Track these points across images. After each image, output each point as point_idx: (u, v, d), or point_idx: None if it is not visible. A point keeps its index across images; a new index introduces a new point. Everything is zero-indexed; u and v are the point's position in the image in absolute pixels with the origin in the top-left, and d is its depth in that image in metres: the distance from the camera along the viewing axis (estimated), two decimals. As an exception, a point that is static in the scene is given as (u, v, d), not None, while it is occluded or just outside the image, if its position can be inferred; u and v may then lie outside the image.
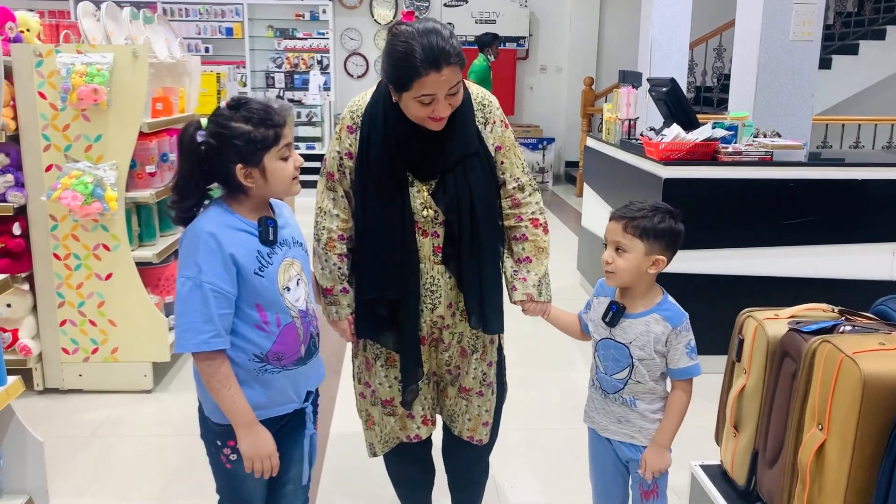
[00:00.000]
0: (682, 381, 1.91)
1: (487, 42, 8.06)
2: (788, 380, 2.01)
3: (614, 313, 1.93)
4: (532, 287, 2.04)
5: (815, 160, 3.81)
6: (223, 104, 1.67)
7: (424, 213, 1.90)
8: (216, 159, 1.65)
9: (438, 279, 1.96)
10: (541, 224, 2.04)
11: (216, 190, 1.74)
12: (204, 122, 1.66)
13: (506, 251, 2.07)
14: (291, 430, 1.82)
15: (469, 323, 2.01)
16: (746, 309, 2.31)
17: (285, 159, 1.68)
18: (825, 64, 8.52)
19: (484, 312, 1.99)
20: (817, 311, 2.19)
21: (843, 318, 2.09)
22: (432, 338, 2.04)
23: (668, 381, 1.96)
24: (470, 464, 2.28)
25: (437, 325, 2.01)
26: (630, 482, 2.03)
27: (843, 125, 7.48)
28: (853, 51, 8.55)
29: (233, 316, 1.65)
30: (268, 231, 1.69)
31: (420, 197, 1.90)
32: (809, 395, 1.83)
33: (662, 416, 1.94)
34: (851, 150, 7.58)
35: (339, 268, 1.98)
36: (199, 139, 1.64)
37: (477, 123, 1.94)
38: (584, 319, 2.10)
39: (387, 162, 1.88)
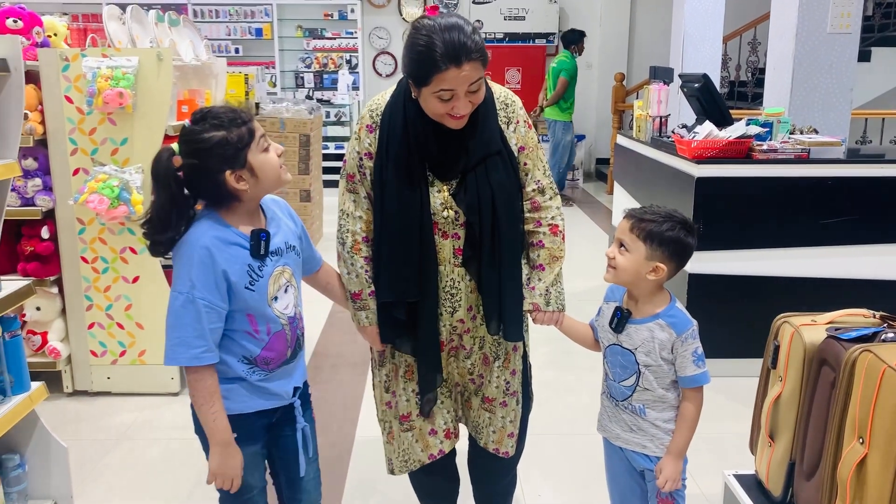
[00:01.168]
0: (691, 389, 1.87)
1: (574, 39, 7.98)
2: (827, 389, 1.92)
3: (619, 319, 1.90)
4: (539, 296, 1.98)
5: (854, 157, 3.68)
6: (187, 122, 1.67)
7: (444, 213, 1.85)
8: (201, 176, 1.64)
9: (458, 282, 1.91)
10: (560, 231, 1.98)
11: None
12: (175, 146, 1.65)
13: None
14: (284, 425, 1.86)
15: (487, 329, 1.96)
16: (782, 314, 2.23)
17: (266, 150, 1.69)
18: (864, 56, 8.28)
19: (503, 318, 1.94)
20: (857, 317, 2.10)
21: (885, 325, 1.99)
22: (452, 345, 1.99)
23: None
24: (496, 476, 2.23)
25: (457, 329, 1.96)
26: (648, 492, 1.97)
27: (884, 119, 7.26)
28: (893, 42, 8.31)
29: (223, 328, 1.68)
30: (259, 245, 1.69)
31: (440, 197, 1.85)
32: (849, 406, 1.75)
33: (676, 424, 1.90)
34: (892, 145, 7.36)
35: (367, 271, 1.94)
36: (178, 164, 1.63)
37: (500, 123, 1.89)
38: (594, 327, 2.06)
39: (405, 160, 1.84)
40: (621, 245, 1.88)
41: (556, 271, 2.00)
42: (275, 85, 9.51)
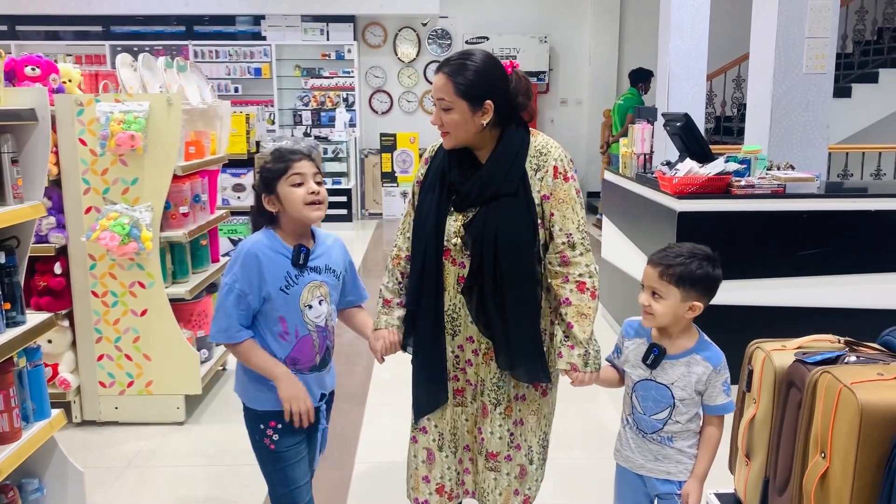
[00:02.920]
0: (717, 417, 1.99)
1: (641, 77, 8.36)
2: (795, 409, 2.07)
3: (656, 356, 1.96)
4: (577, 357, 2.00)
5: (827, 192, 3.87)
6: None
7: (454, 241, 2.01)
8: (256, 195, 2.10)
9: (459, 308, 2.04)
10: (587, 288, 2.00)
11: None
12: None
13: (552, 311, 2.08)
14: (311, 425, 2.12)
15: (497, 362, 2.04)
16: (755, 340, 2.38)
17: (297, 185, 2.01)
18: (845, 92, 8.58)
19: (512, 353, 2.01)
20: (823, 343, 2.25)
21: (848, 349, 2.15)
22: (458, 385, 2.10)
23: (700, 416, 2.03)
24: None
25: (460, 359, 2.08)
26: None
27: (864, 153, 7.50)
28: (873, 79, 8.60)
29: (258, 304, 2.04)
30: (299, 256, 2.04)
31: (455, 225, 2.02)
32: (813, 423, 1.89)
33: (697, 451, 2.00)
34: (872, 178, 7.59)
35: (400, 283, 2.14)
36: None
37: (528, 168, 2.01)
38: (615, 364, 2.11)
39: (436, 189, 2.05)
40: (654, 293, 1.94)
41: (589, 331, 2.01)
42: (273, 122, 9.74)
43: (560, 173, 2.02)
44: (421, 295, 2.05)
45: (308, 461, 2.18)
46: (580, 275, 2.00)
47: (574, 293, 2.00)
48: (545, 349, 2.09)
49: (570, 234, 2.00)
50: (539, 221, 2.01)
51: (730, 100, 9.34)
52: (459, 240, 2.01)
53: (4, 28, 9.42)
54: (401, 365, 2.43)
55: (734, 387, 2.49)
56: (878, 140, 8.41)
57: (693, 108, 6.52)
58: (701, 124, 6.85)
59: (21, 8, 9.34)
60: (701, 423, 2.02)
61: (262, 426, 2.10)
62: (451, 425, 2.14)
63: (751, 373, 2.34)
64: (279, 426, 2.08)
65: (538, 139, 2.06)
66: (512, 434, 2.09)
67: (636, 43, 10.15)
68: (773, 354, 2.24)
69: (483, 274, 1.98)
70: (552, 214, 2.01)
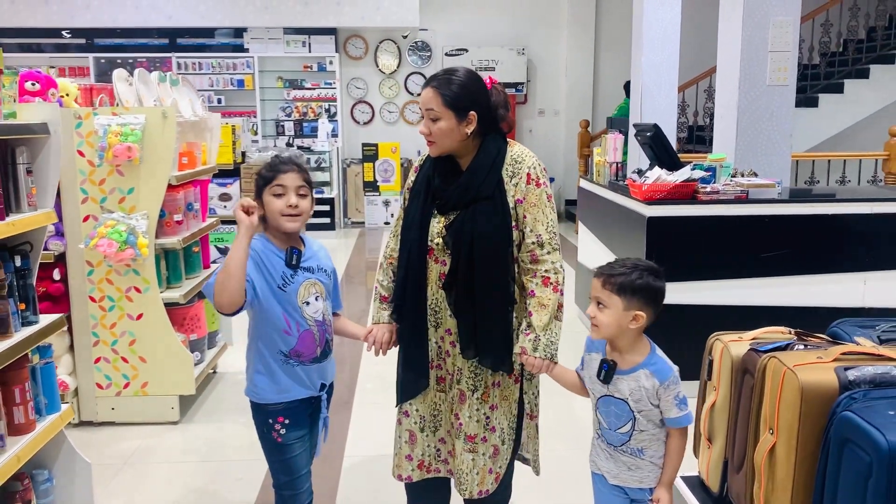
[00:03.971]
0: (675, 429, 2.08)
1: None
2: (749, 393, 2.27)
3: (606, 371, 2.06)
4: (528, 342, 2.17)
5: (786, 197, 4.11)
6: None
7: (437, 241, 2.21)
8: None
9: (441, 302, 2.24)
10: (551, 283, 2.19)
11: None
12: None
13: (517, 306, 2.26)
14: (313, 413, 2.33)
15: (463, 354, 2.22)
16: (715, 333, 2.59)
17: (278, 196, 2.18)
18: (812, 102, 8.90)
19: (478, 342, 2.20)
20: (776, 334, 2.46)
21: (797, 339, 2.36)
22: (440, 373, 2.29)
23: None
24: None
25: (441, 349, 2.28)
26: None
27: (829, 161, 7.80)
28: (839, 89, 8.92)
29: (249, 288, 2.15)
30: (291, 257, 2.21)
31: (437, 227, 2.22)
32: (763, 404, 2.10)
33: (664, 460, 2.13)
34: (837, 185, 7.89)
35: (393, 281, 2.35)
36: None
37: (504, 174, 2.21)
38: (581, 376, 2.24)
39: (421, 194, 2.26)
40: (599, 303, 2.03)
41: (546, 320, 2.17)
42: (256, 133, 9.88)
43: (532, 179, 2.21)
44: (406, 290, 2.25)
45: (309, 451, 2.34)
46: (546, 271, 2.20)
47: (539, 286, 2.20)
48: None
49: (540, 235, 2.20)
50: (514, 223, 2.21)
51: (702, 110, 9.63)
52: (441, 240, 2.21)
53: (-13, 40, 9.51)
54: (386, 366, 2.61)
55: (696, 382, 2.71)
56: (844, 148, 8.73)
57: (665, 119, 6.77)
58: (674, 133, 7.12)
59: (3, 20, 9.43)
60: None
61: (270, 421, 2.25)
62: (432, 408, 2.33)
63: (711, 363, 2.55)
64: (286, 421, 2.24)
65: (514, 149, 2.27)
66: (488, 418, 2.28)
67: (611, 55, 10.43)
68: (731, 345, 2.45)
69: (460, 271, 2.18)
70: (525, 217, 2.21)
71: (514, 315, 2.27)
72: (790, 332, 2.48)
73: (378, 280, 2.41)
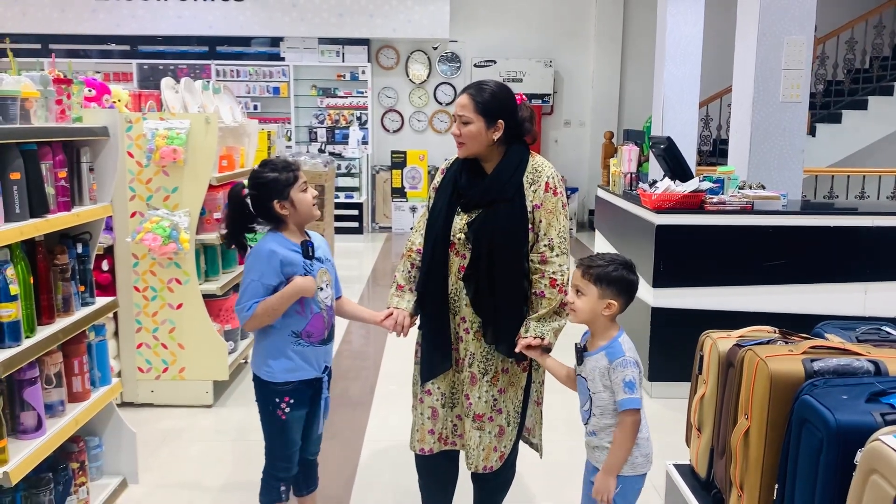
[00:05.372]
0: (623, 412, 2.15)
1: None
2: (731, 384, 2.49)
3: (577, 353, 2.28)
4: (522, 328, 2.39)
5: (791, 210, 4.29)
6: (256, 167, 2.47)
7: (459, 235, 2.45)
8: (259, 203, 2.42)
9: (459, 292, 2.47)
10: (557, 284, 2.38)
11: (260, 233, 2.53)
12: (245, 181, 2.45)
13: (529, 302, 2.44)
14: (315, 395, 2.53)
15: (484, 338, 2.46)
16: (707, 331, 2.81)
17: (304, 191, 2.43)
18: (835, 118, 9.01)
19: (499, 329, 2.43)
20: (761, 332, 2.67)
21: (780, 336, 2.57)
22: (457, 355, 2.52)
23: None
24: (489, 492, 2.67)
25: (457, 334, 2.51)
26: None
27: (849, 177, 7.91)
28: (863, 106, 9.01)
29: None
30: (307, 250, 2.43)
31: (460, 223, 2.46)
32: (740, 393, 2.32)
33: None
34: (856, 199, 8.00)
35: (410, 272, 2.59)
36: (245, 193, 2.44)
37: (525, 181, 2.44)
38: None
39: (446, 191, 2.51)
40: (577, 291, 2.23)
41: (542, 313, 2.38)
42: (290, 139, 10.24)
43: (550, 188, 2.44)
44: (429, 280, 2.49)
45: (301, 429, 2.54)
46: (553, 272, 2.40)
47: (547, 287, 2.40)
48: None
49: (552, 239, 2.41)
50: (530, 226, 2.44)
51: (725, 123, 9.78)
52: (463, 235, 2.45)
53: (38, 46, 9.97)
54: (405, 363, 2.84)
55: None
56: (868, 164, 8.82)
57: (686, 132, 6.98)
58: (694, 146, 7.31)
59: (53, 27, 9.89)
60: None
61: (277, 399, 2.44)
62: (451, 386, 2.56)
63: (702, 358, 2.77)
64: (291, 401, 2.44)
65: (536, 159, 2.51)
66: (496, 400, 2.50)
67: (637, 68, 10.62)
68: (719, 341, 2.67)
69: (480, 264, 2.42)
70: (541, 221, 2.44)
71: (527, 308, 2.49)
72: (774, 331, 2.68)
73: (398, 269, 2.65)
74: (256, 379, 2.48)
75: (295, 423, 2.48)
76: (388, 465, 3.48)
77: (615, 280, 2.19)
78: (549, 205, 2.43)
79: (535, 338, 2.38)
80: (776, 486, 2.11)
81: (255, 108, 10.27)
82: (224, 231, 2.55)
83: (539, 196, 2.43)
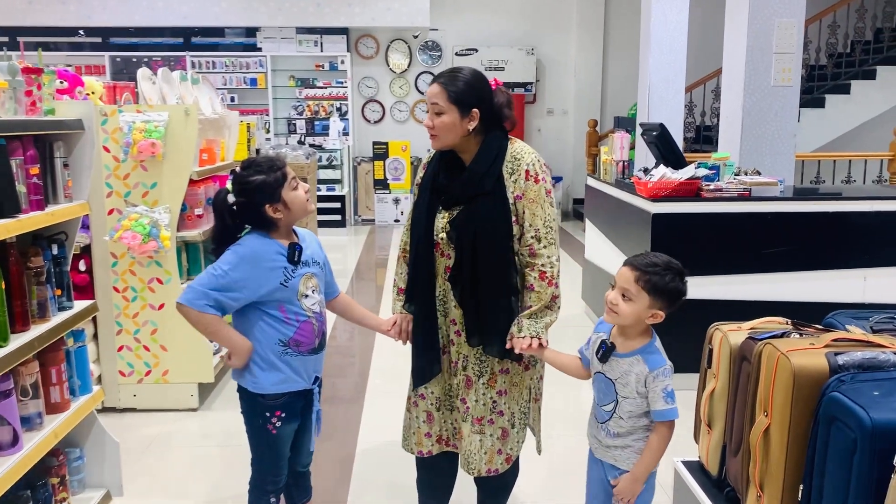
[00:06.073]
0: (660, 423, 2.08)
1: None
2: (746, 380, 2.39)
3: (604, 351, 2.13)
4: (514, 326, 2.28)
5: (788, 195, 4.21)
6: (238, 169, 2.27)
7: (441, 235, 2.33)
8: (248, 209, 2.22)
9: (448, 293, 2.35)
10: (547, 277, 2.28)
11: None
12: (229, 186, 2.25)
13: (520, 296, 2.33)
14: (305, 407, 2.38)
15: (468, 342, 2.33)
16: (715, 323, 2.71)
17: (295, 188, 2.24)
18: (819, 103, 8.99)
19: (484, 331, 2.30)
20: (773, 324, 2.58)
21: (793, 328, 2.48)
22: (449, 358, 2.40)
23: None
24: (492, 493, 2.57)
25: (448, 337, 2.39)
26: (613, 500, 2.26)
27: (835, 161, 7.88)
28: (846, 90, 8.99)
29: (236, 305, 2.21)
30: (294, 254, 2.25)
31: (442, 222, 2.33)
32: (758, 388, 2.22)
33: (644, 448, 2.16)
34: (843, 184, 7.97)
35: (406, 274, 2.47)
36: (231, 200, 2.23)
37: (504, 171, 2.31)
38: (584, 354, 2.33)
39: (426, 188, 2.38)
40: (624, 295, 2.06)
41: (536, 309, 2.27)
42: (269, 131, 10.03)
43: (531, 176, 2.29)
44: (416, 282, 2.38)
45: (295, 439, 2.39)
46: (542, 265, 2.29)
47: (537, 280, 2.29)
48: None
49: (538, 230, 2.29)
50: (514, 218, 2.31)
51: (709, 110, 9.72)
52: (445, 234, 2.32)
53: (6, 39, 9.67)
54: (397, 357, 2.73)
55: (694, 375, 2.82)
56: (850, 149, 8.80)
57: (672, 118, 6.88)
58: (681, 133, 7.22)
59: (21, 20, 9.60)
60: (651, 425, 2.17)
61: (267, 413, 2.27)
62: (446, 390, 2.45)
63: (711, 351, 2.67)
64: (283, 414, 2.28)
65: (515, 146, 2.37)
66: (495, 402, 2.38)
67: (620, 55, 10.53)
68: (730, 334, 2.57)
69: (462, 262, 2.29)
70: (524, 212, 2.31)
71: (520, 304, 2.36)
72: (787, 323, 2.59)
73: (396, 272, 2.53)
74: (242, 390, 2.32)
75: (286, 436, 2.33)
76: (384, 463, 3.36)
77: (670, 292, 2.06)
78: (531, 194, 2.30)
79: (532, 338, 2.27)
80: (800, 487, 2.01)
81: (232, 99, 10.05)
82: (212, 246, 2.32)
83: (520, 186, 2.30)
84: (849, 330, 2.33)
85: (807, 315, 2.93)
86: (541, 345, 2.28)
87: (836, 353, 2.04)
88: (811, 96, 9.09)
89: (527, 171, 2.30)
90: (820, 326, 2.53)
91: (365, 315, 2.58)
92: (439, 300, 2.37)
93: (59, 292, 2.44)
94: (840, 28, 9.32)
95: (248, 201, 2.21)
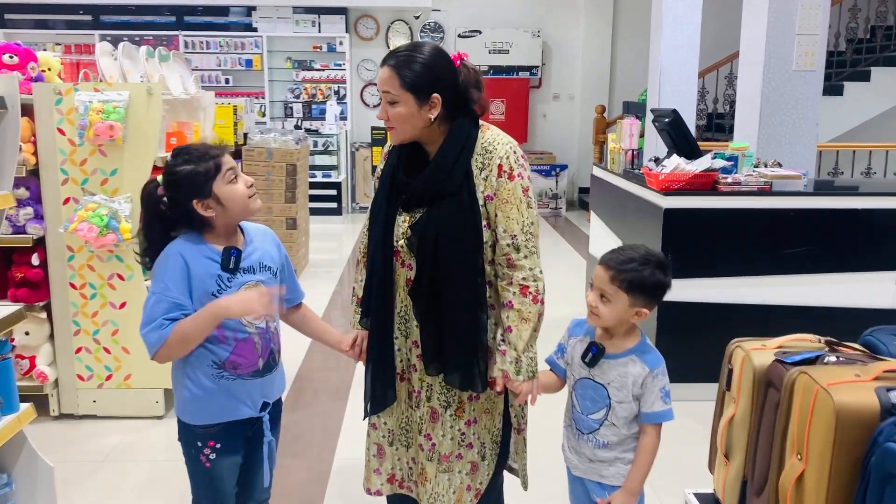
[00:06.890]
0: (653, 425, 1.93)
1: None
2: (773, 410, 2.05)
3: (594, 354, 1.94)
4: (509, 364, 1.92)
5: (814, 190, 3.85)
6: (168, 158, 1.90)
7: (401, 242, 1.95)
8: (175, 204, 1.88)
9: (409, 310, 1.99)
10: (530, 292, 1.92)
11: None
12: (160, 178, 1.88)
13: (495, 314, 2.00)
14: (253, 438, 2.02)
15: (426, 370, 1.97)
16: (736, 339, 2.36)
17: (233, 181, 1.88)
18: (837, 91, 8.57)
19: (443, 358, 1.94)
20: (804, 342, 2.23)
21: (828, 349, 2.13)
22: (410, 386, 2.06)
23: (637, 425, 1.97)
24: None
25: (410, 362, 2.03)
26: None
27: (854, 152, 7.49)
28: (865, 77, 8.58)
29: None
30: (229, 260, 1.89)
31: (402, 227, 1.96)
32: (790, 424, 1.87)
33: (633, 460, 1.95)
34: (862, 176, 7.59)
35: (363, 283, 2.11)
36: (160, 193, 1.86)
37: (473, 166, 1.93)
38: (555, 364, 2.08)
39: (385, 188, 1.99)
40: (602, 296, 1.90)
41: (527, 336, 1.92)
42: (264, 115, 9.68)
43: (504, 172, 1.91)
44: (372, 294, 2.01)
45: (241, 475, 2.06)
46: (523, 278, 1.92)
47: (517, 296, 1.92)
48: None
49: (515, 236, 1.91)
50: (485, 222, 1.93)
51: (721, 96, 9.32)
52: (406, 241, 1.95)
53: (-6, 16, 9.34)
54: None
55: (713, 385, 2.49)
56: (869, 138, 8.40)
57: (685, 104, 6.50)
58: (693, 121, 6.85)
59: (10, -4, 9.27)
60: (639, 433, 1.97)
61: (199, 444, 1.96)
62: (402, 422, 2.10)
63: (730, 372, 2.33)
64: (217, 445, 1.95)
65: (487, 134, 1.96)
66: (463, 434, 2.04)
67: (629, 39, 10.12)
68: (753, 354, 2.22)
69: (423, 275, 1.92)
70: (496, 215, 1.92)
71: (494, 322, 2.00)
72: (820, 341, 2.24)
73: (356, 279, 2.17)
74: (178, 420, 2.00)
75: (226, 472, 1.98)
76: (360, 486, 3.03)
77: (650, 286, 1.85)
78: (504, 193, 1.91)
79: (529, 381, 1.93)
80: (842, 549, 1.68)
81: (227, 81, 9.72)
82: (141, 245, 1.92)
83: (491, 184, 1.91)
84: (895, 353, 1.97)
85: (833, 322, 2.61)
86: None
87: (889, 389, 1.69)
88: (829, 83, 8.66)
89: (499, 167, 1.91)
90: (859, 347, 2.18)
91: (324, 330, 2.20)
92: (400, 317, 2.01)
93: (-26, 298, 2.11)
94: (861, 12, 8.90)
95: (173, 195, 1.87)
